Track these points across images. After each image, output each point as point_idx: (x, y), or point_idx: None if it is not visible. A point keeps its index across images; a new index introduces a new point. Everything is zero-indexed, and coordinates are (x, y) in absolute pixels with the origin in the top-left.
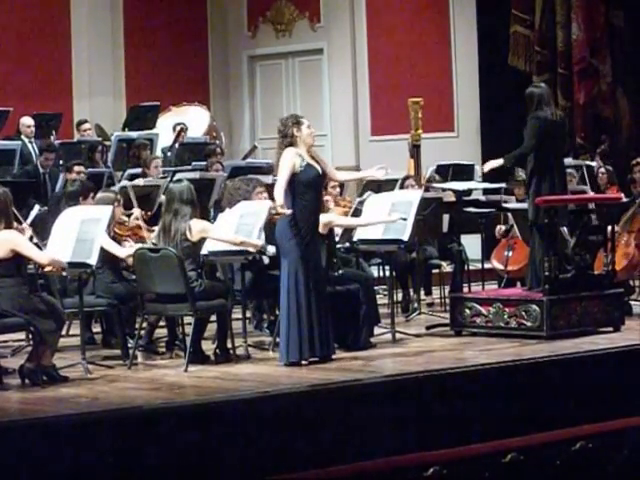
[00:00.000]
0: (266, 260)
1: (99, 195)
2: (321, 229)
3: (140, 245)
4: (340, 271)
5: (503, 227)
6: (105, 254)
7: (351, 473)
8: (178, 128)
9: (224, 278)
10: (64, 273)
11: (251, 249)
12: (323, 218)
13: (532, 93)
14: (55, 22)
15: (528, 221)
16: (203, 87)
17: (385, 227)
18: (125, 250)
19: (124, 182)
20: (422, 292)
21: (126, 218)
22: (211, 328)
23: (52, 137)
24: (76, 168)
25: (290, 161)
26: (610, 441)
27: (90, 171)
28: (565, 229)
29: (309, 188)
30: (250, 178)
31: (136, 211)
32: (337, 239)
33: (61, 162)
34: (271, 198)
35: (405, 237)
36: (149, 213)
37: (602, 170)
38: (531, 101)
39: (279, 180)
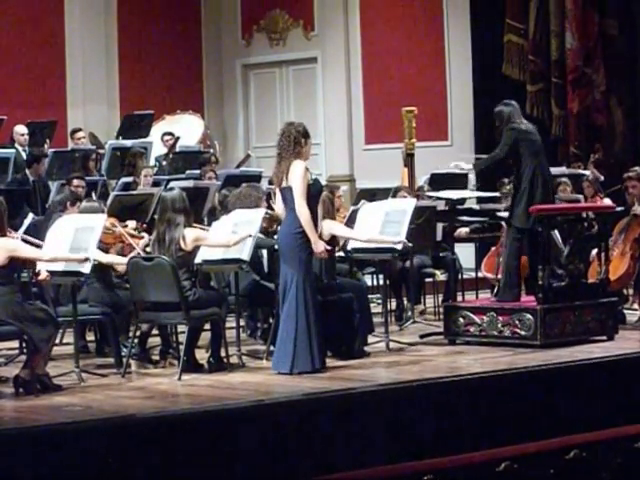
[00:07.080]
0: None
1: (84, 205)
2: (325, 235)
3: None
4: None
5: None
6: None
7: None
8: (169, 138)
9: (218, 287)
10: (57, 281)
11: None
12: (326, 224)
13: (502, 111)
14: (49, 30)
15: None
16: (197, 96)
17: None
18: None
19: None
20: None
21: (113, 226)
22: (205, 337)
23: (46, 145)
24: (75, 182)
25: (304, 174)
26: (604, 450)
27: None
28: (558, 236)
29: (313, 200)
30: (256, 185)
31: (131, 223)
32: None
33: (55, 170)
34: (269, 207)
35: (399, 246)
36: (144, 225)
37: (586, 183)
38: (501, 119)
39: (299, 193)
